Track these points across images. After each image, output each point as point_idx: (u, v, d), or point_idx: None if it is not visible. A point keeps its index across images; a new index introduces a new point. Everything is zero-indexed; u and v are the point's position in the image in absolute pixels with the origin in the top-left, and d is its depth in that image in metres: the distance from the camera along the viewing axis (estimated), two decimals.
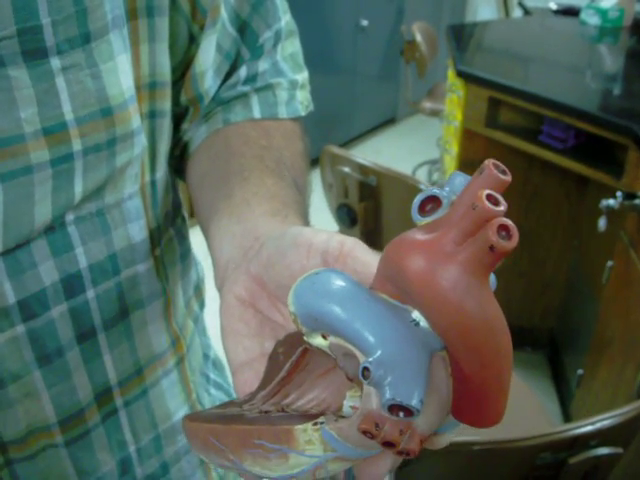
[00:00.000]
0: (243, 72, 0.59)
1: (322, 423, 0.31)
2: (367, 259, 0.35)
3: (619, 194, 1.62)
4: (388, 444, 0.29)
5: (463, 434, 0.87)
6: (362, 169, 1.79)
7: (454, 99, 2.31)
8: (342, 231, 1.98)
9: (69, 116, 0.42)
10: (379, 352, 0.28)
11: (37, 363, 0.48)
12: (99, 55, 0.43)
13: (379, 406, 0.28)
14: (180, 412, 0.62)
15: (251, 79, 0.60)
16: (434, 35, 3.67)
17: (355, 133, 4.49)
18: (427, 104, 3.57)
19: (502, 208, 0.26)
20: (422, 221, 0.30)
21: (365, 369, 0.28)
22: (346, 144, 4.30)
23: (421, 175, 3.79)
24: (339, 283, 0.32)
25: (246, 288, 0.40)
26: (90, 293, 0.50)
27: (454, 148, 2.31)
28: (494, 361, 0.28)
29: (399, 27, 3.93)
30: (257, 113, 0.59)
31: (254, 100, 0.59)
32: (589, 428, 0.90)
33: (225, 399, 0.72)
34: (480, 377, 0.29)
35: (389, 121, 4.84)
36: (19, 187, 0.42)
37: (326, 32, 3.89)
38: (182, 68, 0.56)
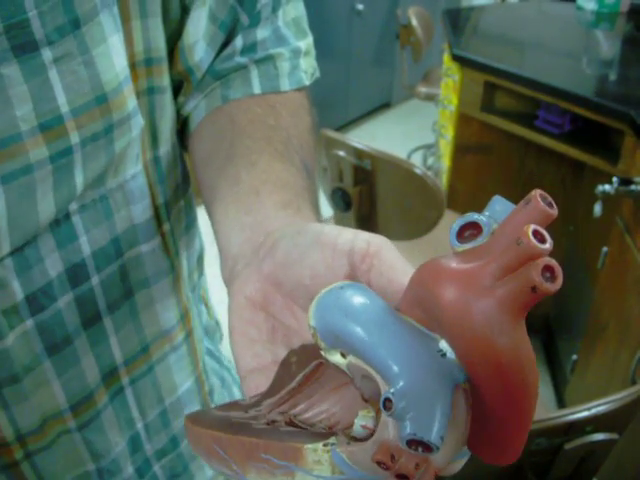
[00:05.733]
0: (239, 41, 0.56)
1: (333, 444, 0.30)
2: (394, 261, 0.33)
3: (615, 180, 1.61)
4: (402, 477, 0.28)
5: None
6: (357, 153, 1.78)
7: (450, 83, 2.30)
8: (336, 215, 1.97)
9: (64, 109, 0.41)
10: (401, 383, 0.27)
11: (47, 353, 0.48)
12: (91, 39, 0.42)
13: (396, 438, 0.27)
14: (186, 384, 0.62)
15: (249, 49, 0.57)
16: (430, 19, 3.64)
17: (350, 117, 4.47)
18: (422, 88, 3.56)
19: (548, 246, 0.25)
20: (460, 247, 0.28)
21: (387, 400, 0.27)
22: (341, 128, 4.28)
23: (416, 160, 3.77)
24: (365, 302, 0.30)
25: (257, 289, 0.37)
26: (94, 280, 0.50)
27: (449, 133, 2.30)
28: (520, 401, 0.27)
29: (395, 11, 3.91)
30: (257, 89, 0.56)
31: (254, 74, 0.56)
32: (585, 414, 0.90)
33: (216, 367, 0.71)
34: (503, 415, 0.28)
35: (384, 105, 4.82)
36: (21, 187, 0.41)
37: (322, 16, 3.86)
38: (175, 40, 0.54)
